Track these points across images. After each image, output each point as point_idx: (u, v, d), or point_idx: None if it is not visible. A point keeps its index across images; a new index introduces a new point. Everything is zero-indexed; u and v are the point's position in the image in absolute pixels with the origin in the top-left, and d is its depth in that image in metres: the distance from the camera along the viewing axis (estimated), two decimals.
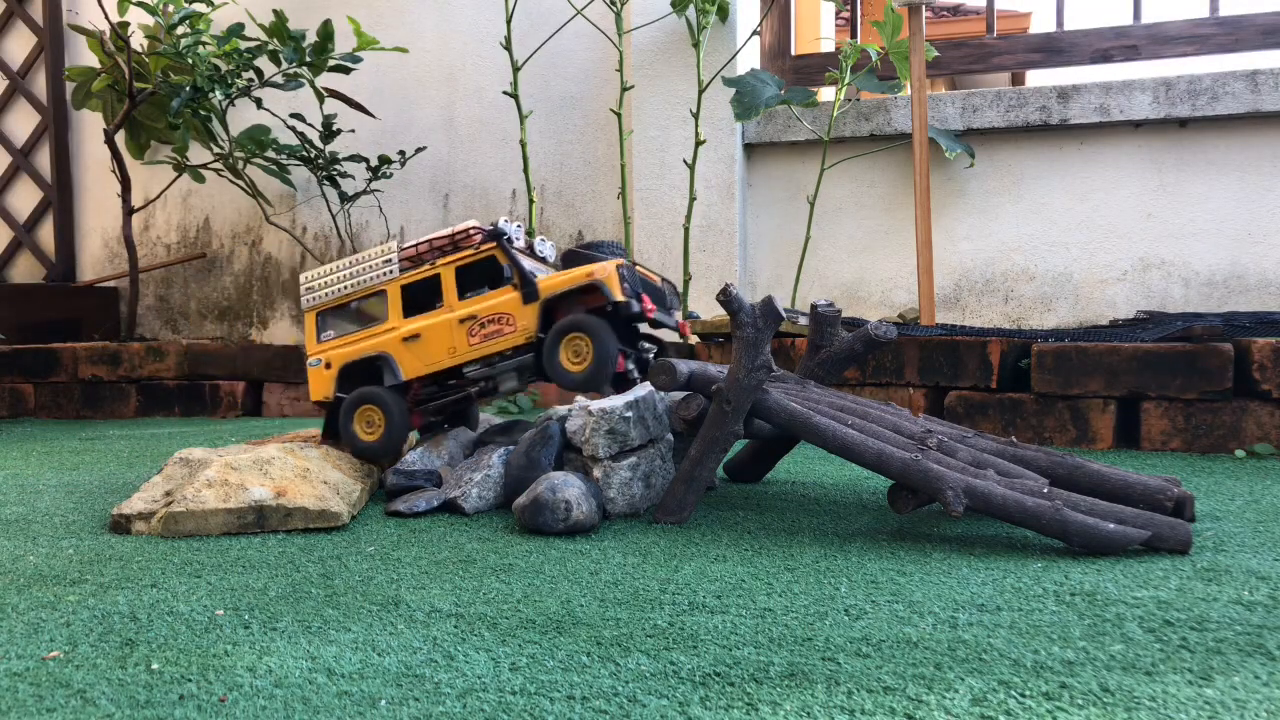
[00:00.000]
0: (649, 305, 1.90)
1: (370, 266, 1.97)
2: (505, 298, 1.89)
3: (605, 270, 1.85)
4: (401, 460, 1.97)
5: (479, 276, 1.94)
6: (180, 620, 1.22)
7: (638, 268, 1.98)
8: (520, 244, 1.95)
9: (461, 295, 1.92)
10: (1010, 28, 7.09)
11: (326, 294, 2.00)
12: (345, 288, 1.99)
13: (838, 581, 1.38)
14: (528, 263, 1.94)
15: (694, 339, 1.88)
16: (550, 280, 1.89)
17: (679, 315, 2.10)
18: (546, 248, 2.03)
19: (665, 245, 3.61)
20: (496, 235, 1.90)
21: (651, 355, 2.06)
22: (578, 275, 1.86)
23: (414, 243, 1.96)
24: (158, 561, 1.49)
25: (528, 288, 1.88)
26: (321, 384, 1.99)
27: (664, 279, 2.10)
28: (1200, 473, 2.13)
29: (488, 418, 2.14)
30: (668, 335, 2.81)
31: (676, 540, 1.60)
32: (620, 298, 1.84)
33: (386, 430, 1.92)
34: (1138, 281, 3.20)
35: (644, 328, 2.07)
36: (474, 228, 1.93)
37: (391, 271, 1.95)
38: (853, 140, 3.47)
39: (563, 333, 1.84)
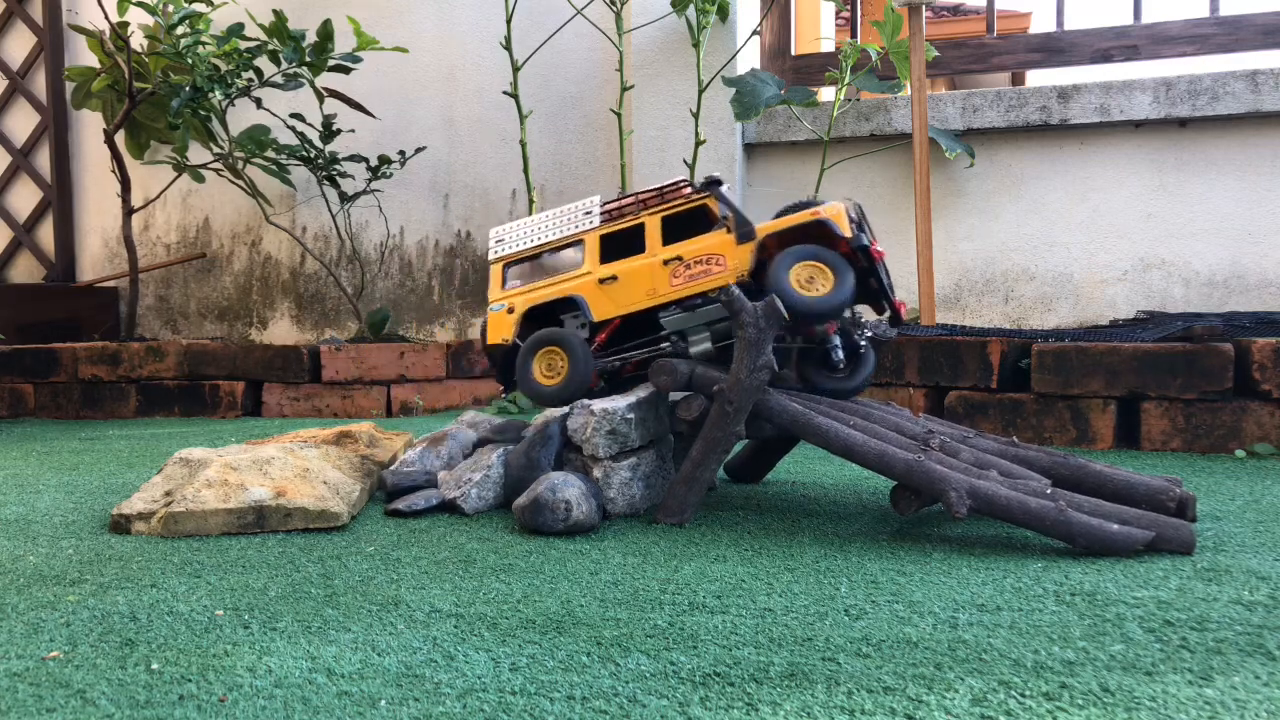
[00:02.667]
0: (877, 247, 1.80)
1: (568, 218, 1.92)
2: (717, 238, 1.82)
3: (834, 208, 1.77)
4: (401, 460, 1.96)
5: (685, 227, 1.87)
6: (180, 620, 1.22)
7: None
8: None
9: (666, 244, 1.86)
10: (1010, 28, 7.09)
11: (517, 246, 1.95)
12: (543, 237, 1.93)
13: (838, 581, 1.37)
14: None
15: (912, 317, 1.84)
16: (769, 223, 1.81)
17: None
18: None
19: None
20: (712, 183, 1.84)
21: (863, 343, 1.89)
22: (801, 215, 1.78)
23: (617, 197, 1.92)
24: (158, 561, 1.49)
25: (743, 227, 1.79)
26: (501, 327, 1.91)
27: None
28: (1200, 473, 2.12)
29: (487, 418, 2.14)
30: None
31: (676, 540, 1.60)
32: (849, 233, 1.75)
33: (569, 374, 1.84)
34: (1138, 281, 3.20)
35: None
36: (684, 180, 1.89)
37: (592, 222, 1.90)
38: (853, 140, 3.47)
39: (796, 259, 1.74)
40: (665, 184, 1.89)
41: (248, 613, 1.24)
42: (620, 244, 1.89)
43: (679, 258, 1.82)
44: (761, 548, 1.56)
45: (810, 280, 1.74)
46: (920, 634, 1.16)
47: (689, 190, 1.87)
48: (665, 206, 1.87)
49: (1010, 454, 1.73)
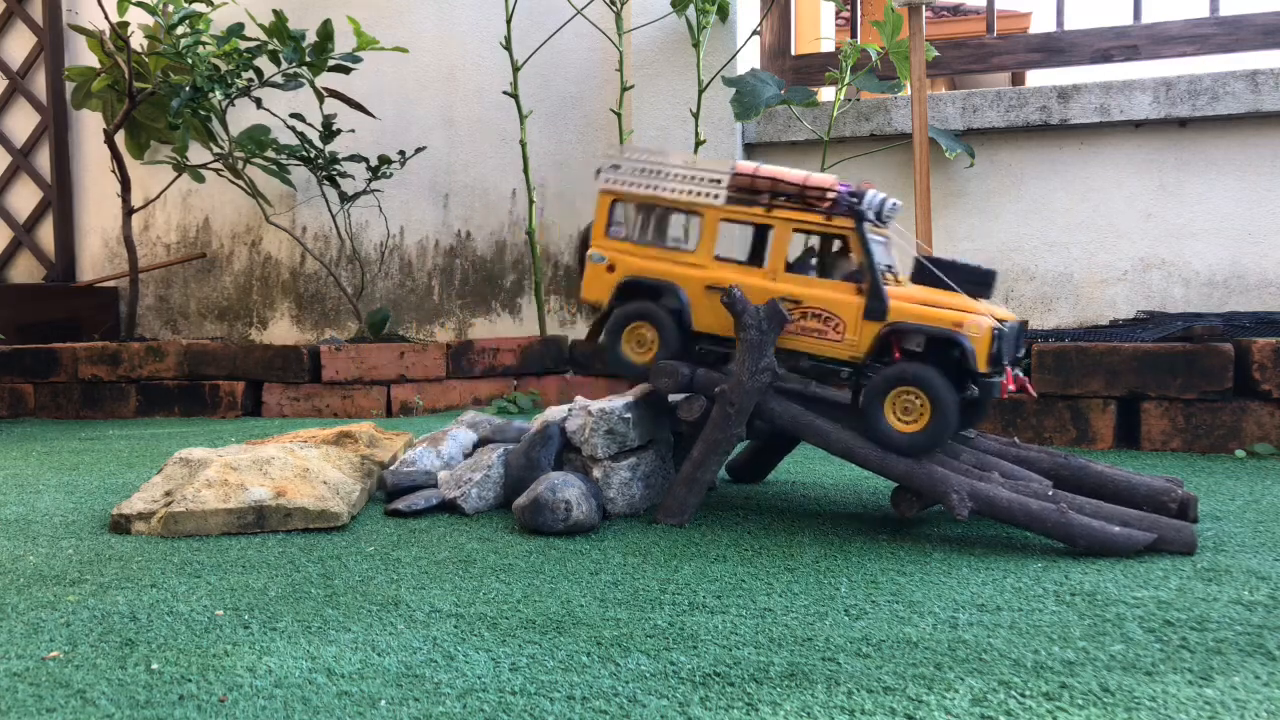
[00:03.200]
0: (1009, 382, 1.57)
1: (696, 178, 1.70)
2: (844, 297, 1.61)
3: (979, 330, 1.53)
4: (401, 460, 1.96)
5: (814, 249, 1.70)
6: (180, 620, 1.22)
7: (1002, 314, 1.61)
8: (887, 224, 1.65)
9: (789, 265, 1.66)
10: (1010, 28, 7.09)
11: (634, 182, 1.74)
12: (659, 187, 1.72)
13: (838, 581, 1.37)
14: (878, 248, 1.63)
15: (1027, 392, 1.61)
16: (904, 304, 1.57)
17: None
18: (890, 206, 1.67)
19: None
20: (857, 215, 1.59)
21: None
22: (941, 318, 1.55)
23: (754, 167, 1.67)
24: (158, 561, 1.49)
25: (876, 303, 1.57)
26: (599, 286, 1.75)
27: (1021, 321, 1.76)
28: (1200, 473, 2.13)
29: (487, 418, 2.14)
30: None
31: (676, 540, 1.60)
32: (982, 368, 1.53)
33: (661, 351, 1.71)
34: (1138, 281, 3.20)
35: None
36: (832, 189, 1.62)
37: (717, 196, 1.68)
38: (853, 140, 3.47)
39: (892, 383, 1.56)
40: (812, 182, 1.63)
41: (248, 613, 1.24)
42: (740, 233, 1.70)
43: (798, 300, 1.62)
44: (761, 548, 1.56)
45: (906, 411, 1.56)
46: (920, 634, 1.16)
47: (832, 199, 1.61)
48: (801, 216, 1.63)
49: (1011, 455, 1.73)
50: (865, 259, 1.59)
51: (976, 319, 1.54)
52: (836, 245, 1.72)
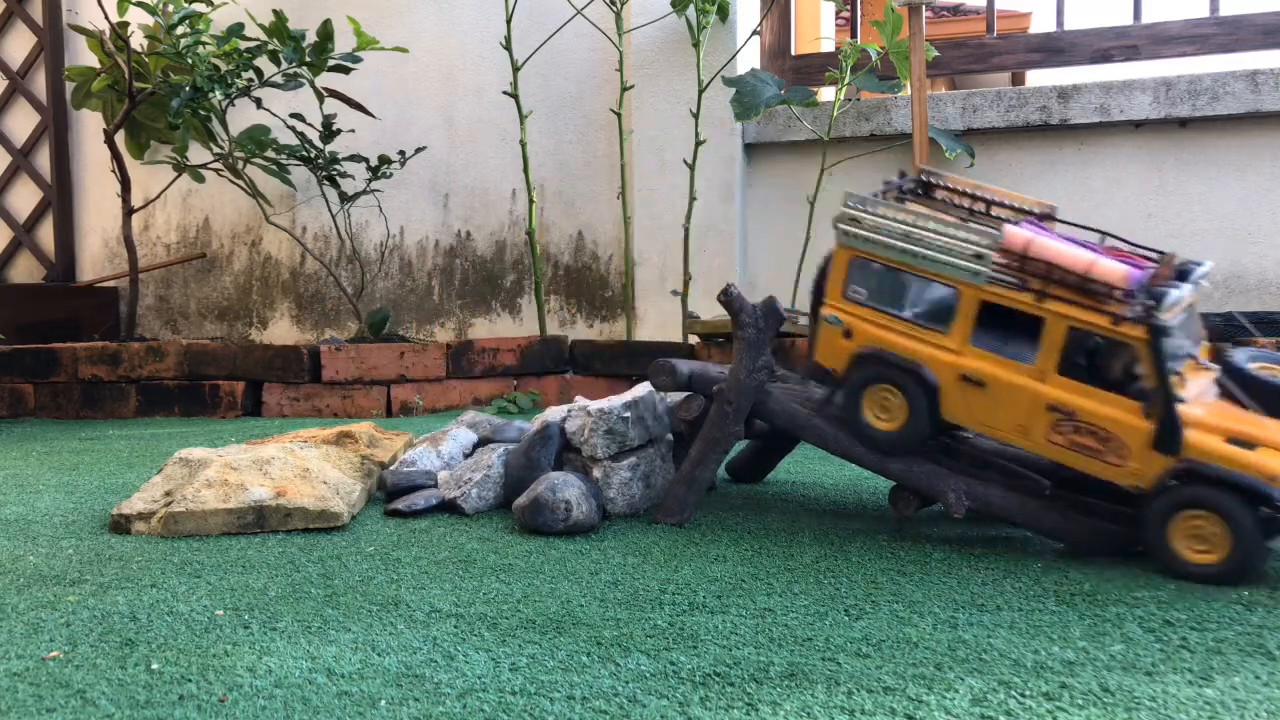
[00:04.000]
0: None
1: (955, 245, 1.47)
2: (1128, 418, 1.39)
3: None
4: (401, 460, 1.96)
5: (1090, 350, 1.47)
6: (180, 620, 1.22)
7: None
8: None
9: (1062, 368, 1.43)
10: (1010, 28, 7.09)
11: (882, 241, 1.53)
12: (911, 251, 1.50)
13: (838, 581, 1.37)
14: (1178, 334, 1.38)
15: None
16: (1205, 440, 1.34)
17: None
18: (1200, 274, 1.44)
19: (665, 245, 3.61)
20: (1156, 330, 1.34)
21: None
22: (1253, 466, 1.32)
23: (1025, 242, 1.43)
24: (158, 561, 1.49)
25: (1168, 436, 1.35)
26: (834, 353, 1.59)
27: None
28: None
29: (487, 418, 2.14)
30: None
31: (676, 540, 1.60)
32: None
33: (910, 420, 1.52)
34: None
35: None
36: (1122, 284, 1.36)
37: (979, 274, 1.46)
38: (853, 140, 3.46)
39: (1182, 506, 1.35)
40: (1094, 272, 1.38)
41: (248, 613, 1.24)
42: (1001, 319, 1.46)
43: (1071, 412, 1.41)
44: (761, 548, 1.56)
45: (1198, 538, 1.36)
46: (920, 634, 1.16)
47: (1124, 304, 1.36)
48: (1081, 312, 1.39)
49: (1010, 454, 1.73)
50: (1158, 382, 1.35)
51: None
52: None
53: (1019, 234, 1.44)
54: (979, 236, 1.46)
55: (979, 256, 1.45)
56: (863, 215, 1.54)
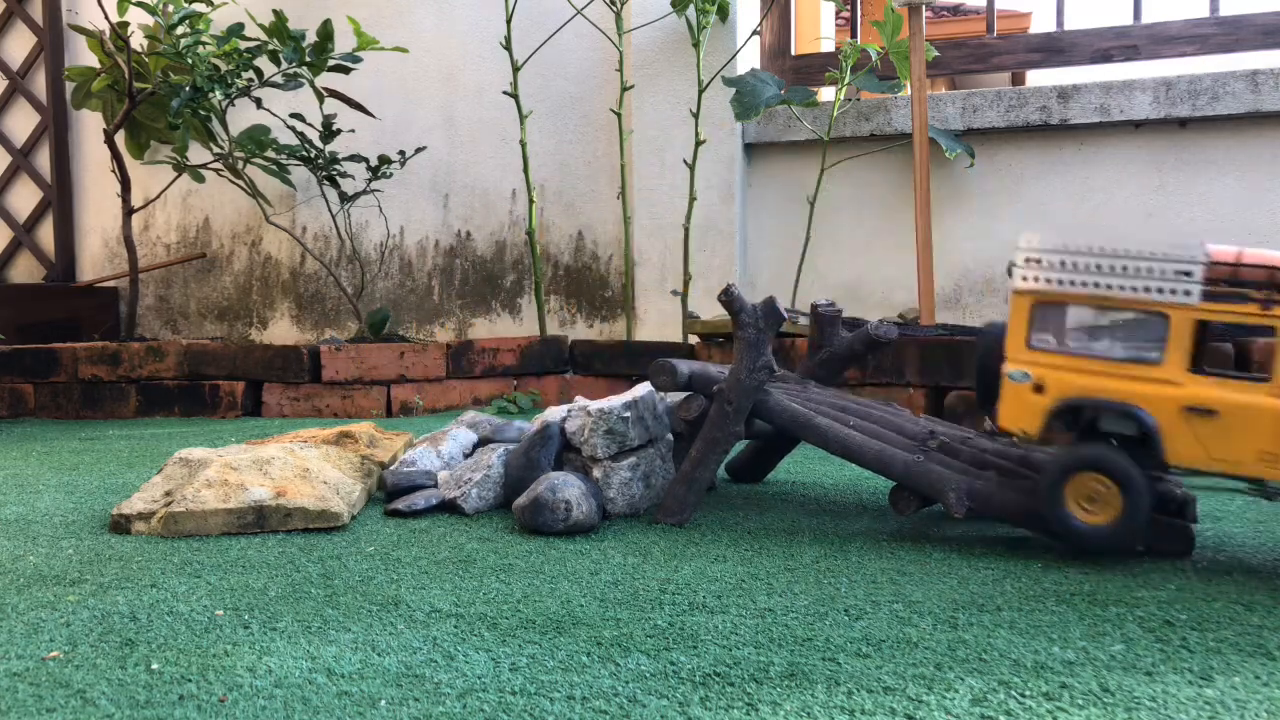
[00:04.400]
0: None
1: (1155, 270, 1.34)
2: None
3: None
4: (401, 460, 1.96)
5: None
6: (180, 620, 1.22)
7: None
8: None
9: None
10: (1010, 28, 7.09)
11: (1066, 279, 1.39)
12: (1104, 284, 1.37)
13: (838, 581, 1.37)
14: None
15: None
16: None
17: None
18: None
19: (665, 245, 3.61)
20: None
21: None
22: None
23: (1235, 253, 1.33)
24: (158, 561, 1.49)
25: None
26: (1024, 412, 1.42)
27: None
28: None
29: (487, 418, 2.14)
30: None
31: (676, 540, 1.60)
32: None
33: (1125, 513, 1.36)
34: None
35: None
36: None
37: (1189, 291, 1.33)
38: (853, 140, 3.47)
39: None
40: None
41: (248, 613, 1.24)
42: (1220, 339, 1.37)
43: None
44: (761, 548, 1.56)
45: None
46: (920, 634, 1.16)
47: None
48: None
49: (1010, 454, 1.73)
50: None
51: None
52: None
53: (1225, 249, 1.34)
54: (1180, 253, 1.34)
55: (1186, 274, 1.33)
56: (1045, 255, 1.41)
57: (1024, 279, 1.42)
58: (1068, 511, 1.38)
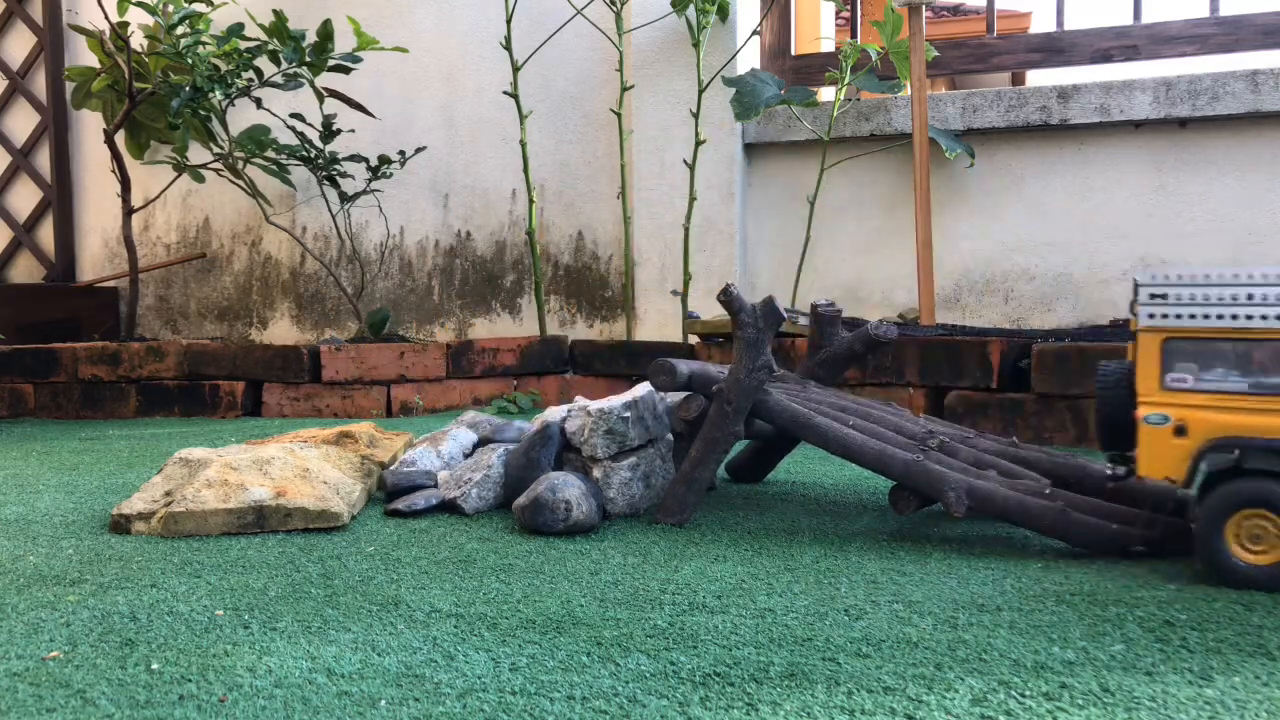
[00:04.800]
0: None
1: None
2: None
3: None
4: (401, 460, 1.96)
5: None
6: (180, 620, 1.22)
7: None
8: None
9: None
10: (1010, 28, 7.09)
11: (1199, 312, 1.33)
12: (1240, 316, 1.30)
13: (838, 581, 1.37)
14: None
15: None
16: None
17: None
18: None
19: (665, 245, 3.61)
20: None
21: None
22: None
23: None
24: (158, 561, 1.49)
25: None
26: (1165, 456, 1.34)
27: None
28: None
29: (487, 418, 2.14)
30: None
31: (676, 540, 1.60)
32: None
33: None
34: None
35: None
36: None
37: None
38: (853, 140, 3.47)
39: None
40: None
41: (248, 613, 1.24)
42: None
43: None
44: (761, 548, 1.56)
45: None
46: (920, 634, 1.16)
47: None
48: None
49: (1010, 454, 1.73)
50: None
51: None
52: None
53: None
54: None
55: None
56: (1171, 289, 1.34)
57: (1150, 316, 1.36)
58: (1229, 552, 1.30)
